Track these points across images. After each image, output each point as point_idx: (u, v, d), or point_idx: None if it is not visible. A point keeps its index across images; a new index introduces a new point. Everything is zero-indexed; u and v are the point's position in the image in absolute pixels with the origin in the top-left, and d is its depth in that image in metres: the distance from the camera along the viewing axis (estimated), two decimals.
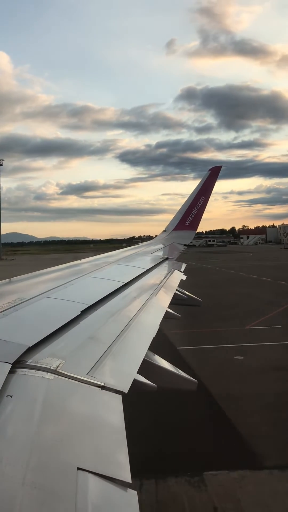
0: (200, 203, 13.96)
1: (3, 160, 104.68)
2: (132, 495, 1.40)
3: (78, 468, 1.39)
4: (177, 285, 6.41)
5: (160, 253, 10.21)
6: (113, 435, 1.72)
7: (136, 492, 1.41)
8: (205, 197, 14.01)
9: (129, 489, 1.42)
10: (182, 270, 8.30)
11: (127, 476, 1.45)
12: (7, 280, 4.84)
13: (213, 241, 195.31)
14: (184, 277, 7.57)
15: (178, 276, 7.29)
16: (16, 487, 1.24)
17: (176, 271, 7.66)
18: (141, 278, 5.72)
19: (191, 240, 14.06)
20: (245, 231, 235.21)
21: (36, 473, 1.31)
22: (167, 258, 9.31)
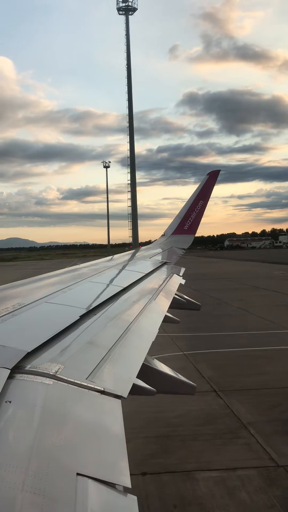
0: (198, 207, 13.94)
1: (109, 162, 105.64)
2: (132, 500, 1.40)
3: (78, 474, 1.39)
4: (176, 289, 6.41)
5: (159, 258, 10.20)
6: (113, 440, 1.72)
7: (136, 497, 1.41)
8: (204, 201, 13.99)
9: (129, 494, 1.41)
10: (181, 274, 8.30)
11: (127, 481, 1.45)
12: (7, 285, 4.83)
13: (280, 242, 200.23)
14: (183, 281, 7.57)
15: (177, 280, 7.29)
16: (15, 493, 1.23)
17: (175, 275, 7.65)
18: (140, 282, 5.72)
19: (190, 244, 14.02)
20: None
21: (36, 478, 1.30)
22: (166, 262, 9.31)
